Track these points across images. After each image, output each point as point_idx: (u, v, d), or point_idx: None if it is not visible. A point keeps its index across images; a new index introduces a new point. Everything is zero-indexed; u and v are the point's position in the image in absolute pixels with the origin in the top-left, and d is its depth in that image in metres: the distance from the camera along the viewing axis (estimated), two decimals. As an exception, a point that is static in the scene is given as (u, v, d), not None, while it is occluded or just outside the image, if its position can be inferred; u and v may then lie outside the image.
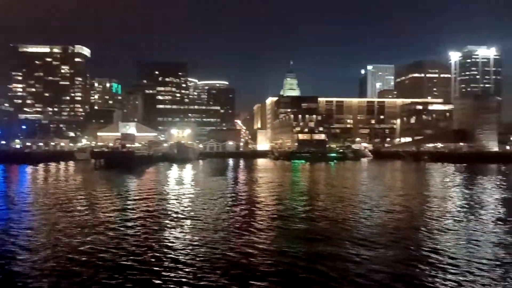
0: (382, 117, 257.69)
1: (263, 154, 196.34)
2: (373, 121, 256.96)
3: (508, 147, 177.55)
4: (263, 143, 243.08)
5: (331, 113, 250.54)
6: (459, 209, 35.62)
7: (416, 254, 20.94)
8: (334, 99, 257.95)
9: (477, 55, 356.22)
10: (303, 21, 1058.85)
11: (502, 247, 22.22)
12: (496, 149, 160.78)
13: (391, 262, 19.40)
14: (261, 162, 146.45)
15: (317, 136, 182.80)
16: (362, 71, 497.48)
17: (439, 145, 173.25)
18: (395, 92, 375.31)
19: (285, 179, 70.49)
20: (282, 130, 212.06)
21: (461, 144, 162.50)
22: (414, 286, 16.75)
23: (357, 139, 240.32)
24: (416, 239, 24.27)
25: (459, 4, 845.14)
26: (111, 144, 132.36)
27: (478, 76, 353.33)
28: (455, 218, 30.80)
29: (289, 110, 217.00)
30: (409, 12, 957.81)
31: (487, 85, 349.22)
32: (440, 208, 35.76)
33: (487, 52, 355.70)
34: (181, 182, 60.93)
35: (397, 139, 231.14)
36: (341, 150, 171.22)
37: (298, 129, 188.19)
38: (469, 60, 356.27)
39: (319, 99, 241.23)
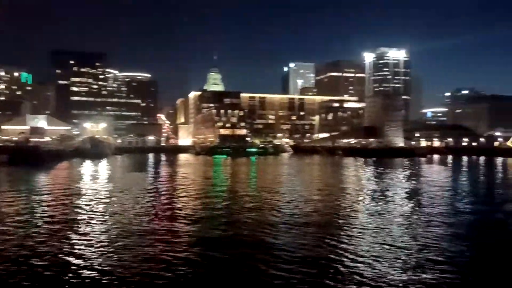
0: (302, 113, 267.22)
1: (185, 149, 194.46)
2: (294, 117, 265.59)
3: (413, 143, 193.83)
4: (185, 138, 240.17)
5: (254, 109, 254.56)
6: (368, 197, 39.83)
7: (326, 238, 22.60)
8: (257, 95, 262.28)
9: (389, 56, 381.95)
10: (226, 17, 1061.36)
11: (405, 229, 25.23)
12: (401, 144, 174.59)
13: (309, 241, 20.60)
14: (183, 157, 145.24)
15: (238, 131, 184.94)
16: (285, 69, 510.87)
17: (352, 140, 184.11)
18: (315, 90, 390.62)
19: (207, 174, 70.93)
20: (204, 125, 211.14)
21: (371, 139, 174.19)
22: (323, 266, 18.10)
23: (279, 134, 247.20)
24: (331, 223, 26.72)
25: (374, 7, 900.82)
26: (15, 138, 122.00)
27: (389, 76, 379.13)
28: (366, 206, 34.33)
29: (212, 105, 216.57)
30: (329, 13, 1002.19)
31: (397, 85, 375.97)
32: (351, 197, 39.52)
33: (397, 54, 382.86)
34: (93, 179, 58.19)
35: (316, 135, 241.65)
36: (261, 145, 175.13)
37: (220, 124, 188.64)
38: (381, 61, 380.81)
39: (243, 94, 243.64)
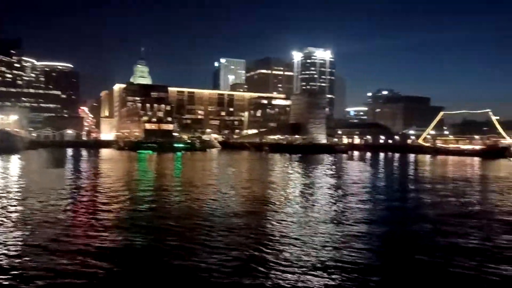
0: (231, 109, 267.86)
1: (108, 144, 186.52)
2: (223, 113, 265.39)
3: (336, 140, 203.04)
4: (108, 132, 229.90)
5: (183, 104, 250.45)
6: (293, 191, 41.79)
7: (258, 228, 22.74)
8: (186, 90, 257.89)
9: (316, 56, 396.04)
10: (156, 10, 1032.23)
11: (329, 222, 26.11)
12: (324, 141, 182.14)
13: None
14: (105, 152, 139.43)
15: (165, 126, 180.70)
16: (216, 64, 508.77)
17: (279, 136, 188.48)
18: (246, 86, 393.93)
19: (130, 170, 68.58)
20: (129, 119, 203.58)
21: (296, 136, 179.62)
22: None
23: (208, 130, 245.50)
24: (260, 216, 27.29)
25: (303, 6, 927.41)
26: None
27: (316, 76, 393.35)
28: (291, 199, 35.79)
29: (137, 98, 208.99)
30: (261, 9, 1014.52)
31: (323, 84, 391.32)
32: (278, 191, 40.74)
33: (323, 54, 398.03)
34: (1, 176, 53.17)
35: (245, 131, 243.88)
36: (188, 141, 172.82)
37: (146, 118, 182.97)
38: (309, 61, 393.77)
39: (171, 88, 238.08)
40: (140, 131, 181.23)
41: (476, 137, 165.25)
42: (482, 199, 39.10)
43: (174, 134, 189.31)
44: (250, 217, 27.19)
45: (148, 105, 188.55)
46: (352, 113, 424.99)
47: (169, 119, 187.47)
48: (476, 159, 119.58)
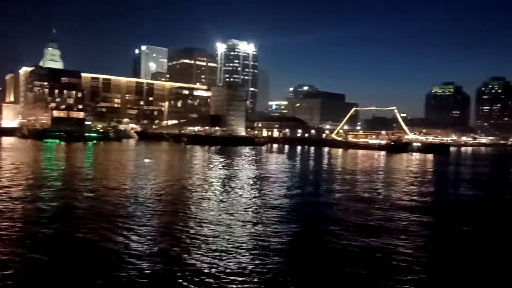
0: (151, 98, 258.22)
1: (10, 132, 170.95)
2: (142, 102, 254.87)
3: (256, 132, 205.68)
4: (12, 119, 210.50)
5: (98, 91, 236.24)
6: (214, 182, 42.54)
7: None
8: (101, 76, 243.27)
9: (240, 49, 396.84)
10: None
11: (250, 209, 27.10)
12: (243, 133, 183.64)
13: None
14: (7, 140, 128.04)
15: (75, 114, 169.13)
16: (137, 51, 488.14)
17: (199, 128, 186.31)
18: (168, 76, 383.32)
19: (35, 160, 64.78)
20: (36, 106, 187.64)
21: (216, 128, 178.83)
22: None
23: (125, 119, 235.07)
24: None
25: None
26: None
27: (239, 68, 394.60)
28: (213, 190, 36.77)
29: (46, 83, 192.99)
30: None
31: (246, 77, 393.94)
32: (199, 182, 41.52)
33: (247, 47, 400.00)
34: None
35: (165, 121, 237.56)
36: (101, 130, 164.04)
37: (54, 105, 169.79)
38: (232, 53, 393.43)
39: (84, 74, 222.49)
40: (48, 118, 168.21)
41: (383, 132, 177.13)
42: (373, 188, 41.64)
43: (87, 122, 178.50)
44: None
45: (57, 91, 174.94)
46: (274, 106, 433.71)
47: (80, 106, 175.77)
48: (382, 153, 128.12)
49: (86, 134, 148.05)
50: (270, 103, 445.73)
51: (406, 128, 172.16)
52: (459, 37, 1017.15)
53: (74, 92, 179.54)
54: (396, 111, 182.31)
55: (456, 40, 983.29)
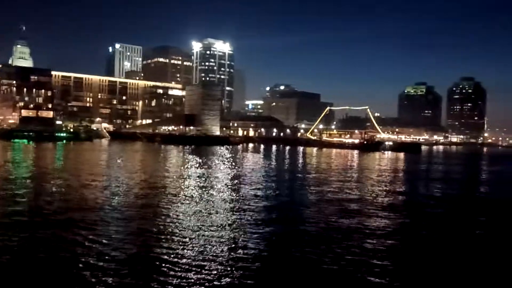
0: (124, 98, 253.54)
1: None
2: (115, 101, 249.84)
3: (232, 132, 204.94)
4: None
5: (69, 90, 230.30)
6: (191, 182, 41.97)
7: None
8: (72, 75, 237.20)
9: (216, 48, 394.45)
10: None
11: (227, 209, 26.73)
12: (218, 133, 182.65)
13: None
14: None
15: (45, 114, 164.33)
16: (110, 49, 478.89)
17: (173, 127, 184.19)
18: (142, 74, 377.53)
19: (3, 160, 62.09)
20: (3, 105, 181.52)
21: (191, 127, 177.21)
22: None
23: (98, 119, 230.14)
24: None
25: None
26: None
27: (215, 67, 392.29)
28: (185, 191, 36.24)
29: (14, 82, 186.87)
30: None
31: (222, 76, 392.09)
32: (174, 183, 41.00)
33: (223, 47, 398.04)
34: None
35: (139, 121, 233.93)
36: (72, 130, 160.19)
37: (22, 104, 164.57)
38: (208, 52, 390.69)
39: (55, 73, 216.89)
40: (16, 118, 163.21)
41: (357, 131, 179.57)
42: (346, 187, 41.79)
43: (57, 122, 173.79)
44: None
45: (25, 89, 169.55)
46: (250, 106, 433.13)
47: (50, 106, 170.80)
48: (356, 152, 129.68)
49: (56, 134, 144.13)
50: (246, 102, 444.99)
51: (378, 127, 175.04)
52: (431, 38, 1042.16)
53: (43, 91, 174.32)
54: (369, 110, 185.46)
55: (428, 41, 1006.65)
